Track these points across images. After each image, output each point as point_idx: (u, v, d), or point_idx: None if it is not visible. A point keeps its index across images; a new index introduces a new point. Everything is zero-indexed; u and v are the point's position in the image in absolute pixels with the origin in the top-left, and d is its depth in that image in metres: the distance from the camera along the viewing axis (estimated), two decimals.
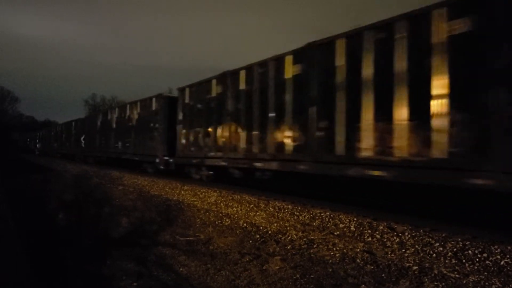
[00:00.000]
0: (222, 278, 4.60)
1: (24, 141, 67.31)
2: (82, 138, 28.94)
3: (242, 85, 11.30)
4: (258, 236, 6.25)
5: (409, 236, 5.67)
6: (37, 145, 53.01)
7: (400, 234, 5.77)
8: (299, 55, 9.20)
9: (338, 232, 6.24)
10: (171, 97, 16.22)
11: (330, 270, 4.63)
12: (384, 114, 7.08)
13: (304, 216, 7.34)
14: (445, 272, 4.38)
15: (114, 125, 22.14)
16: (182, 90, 14.82)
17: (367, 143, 7.38)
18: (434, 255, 4.98)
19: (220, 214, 7.99)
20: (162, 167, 15.96)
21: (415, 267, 4.56)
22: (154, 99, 16.95)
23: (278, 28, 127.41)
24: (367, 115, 7.39)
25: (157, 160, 16.15)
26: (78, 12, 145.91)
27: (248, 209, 8.30)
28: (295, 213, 7.63)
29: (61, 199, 9.54)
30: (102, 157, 24.19)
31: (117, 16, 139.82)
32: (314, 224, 6.85)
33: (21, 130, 71.79)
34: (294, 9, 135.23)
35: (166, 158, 15.79)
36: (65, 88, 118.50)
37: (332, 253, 5.22)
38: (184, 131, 14.60)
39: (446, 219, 6.55)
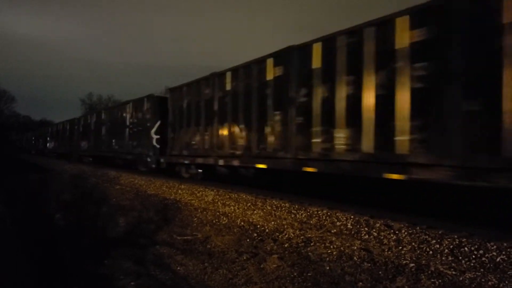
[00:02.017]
0: (220, 276, 4.61)
1: (27, 140, 58.09)
2: (153, 131, 16.07)
3: None
4: (255, 234, 6.27)
5: (405, 233, 5.69)
6: (48, 145, 40.90)
7: (397, 232, 5.79)
8: None
9: (335, 230, 6.26)
10: None
11: (328, 268, 4.65)
12: None
13: (301, 214, 7.36)
14: (441, 269, 4.40)
15: (270, 98, 9.67)
16: None
17: None
18: (431, 252, 5.00)
19: (218, 213, 8.00)
20: None
21: (412, 264, 4.59)
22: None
23: (276, 27, 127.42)
24: None
25: None
26: (74, 12, 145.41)
27: (246, 208, 8.31)
28: (293, 211, 7.65)
29: (58, 199, 9.53)
30: (248, 168, 10.88)
31: (112, 15, 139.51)
32: (311, 222, 6.86)
33: (18, 130, 71.03)
34: (293, 9, 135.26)
35: None
36: (61, 87, 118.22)
37: (329, 251, 5.24)
38: None
39: (443, 216, 6.58)
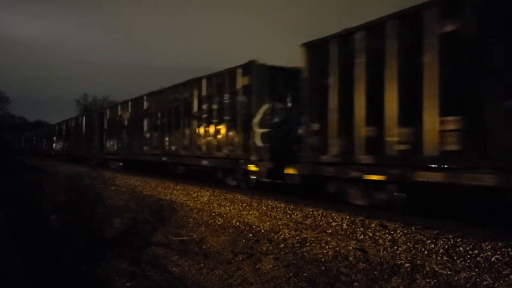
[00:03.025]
0: (216, 277, 4.61)
1: (26, 141, 54.42)
2: (255, 121, 10.15)
3: None
4: (251, 235, 6.27)
5: (401, 233, 5.70)
6: (54, 146, 35.69)
7: (392, 232, 5.80)
8: None
9: (330, 230, 6.27)
10: None
11: (323, 268, 4.65)
12: None
13: (297, 215, 7.36)
14: (437, 269, 4.42)
15: None
16: None
17: None
18: (426, 252, 5.02)
19: (213, 214, 7.99)
20: None
21: (407, 264, 4.60)
22: None
23: (270, 28, 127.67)
24: None
25: None
26: (69, 13, 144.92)
27: (241, 208, 8.30)
28: (288, 211, 7.65)
29: (54, 200, 9.50)
30: None
31: (107, 16, 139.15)
32: (307, 222, 6.87)
33: (13, 131, 70.11)
34: (288, 9, 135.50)
35: None
36: (56, 88, 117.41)
37: (324, 251, 5.25)
38: None
39: (438, 216, 6.60)
